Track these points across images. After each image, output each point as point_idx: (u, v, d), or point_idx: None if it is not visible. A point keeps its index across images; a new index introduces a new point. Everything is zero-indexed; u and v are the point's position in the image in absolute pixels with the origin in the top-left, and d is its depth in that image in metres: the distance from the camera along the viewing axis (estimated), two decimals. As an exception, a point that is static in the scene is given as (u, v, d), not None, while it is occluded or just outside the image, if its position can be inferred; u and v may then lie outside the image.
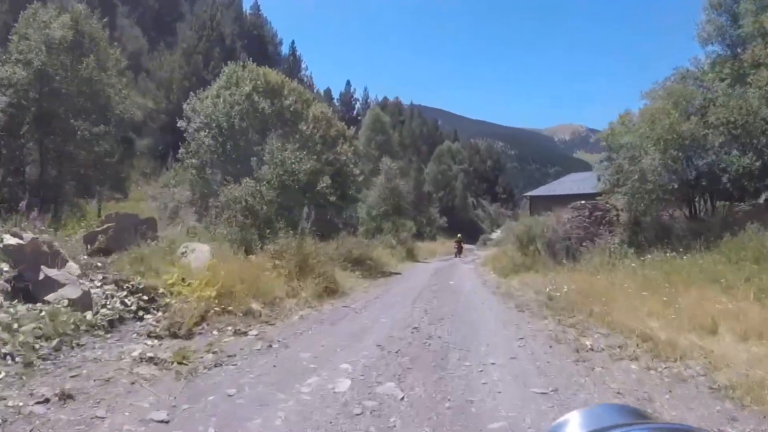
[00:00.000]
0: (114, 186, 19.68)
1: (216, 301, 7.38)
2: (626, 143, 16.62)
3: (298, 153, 12.90)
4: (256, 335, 6.63)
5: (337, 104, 61.09)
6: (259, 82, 16.56)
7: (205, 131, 15.93)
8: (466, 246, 42.78)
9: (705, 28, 16.57)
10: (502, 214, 78.84)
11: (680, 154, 15.45)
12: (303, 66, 44.79)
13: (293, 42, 51.26)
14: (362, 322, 7.79)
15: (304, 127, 16.08)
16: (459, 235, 34.35)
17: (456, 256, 29.59)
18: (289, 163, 12.25)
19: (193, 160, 16.20)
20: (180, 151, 16.98)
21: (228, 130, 15.40)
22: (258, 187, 11.58)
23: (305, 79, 44.01)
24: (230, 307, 7.53)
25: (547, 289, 11.09)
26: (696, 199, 16.86)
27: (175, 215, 16.61)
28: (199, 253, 9.79)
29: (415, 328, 7.30)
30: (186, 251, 9.73)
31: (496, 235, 63.00)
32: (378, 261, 18.54)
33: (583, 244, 17.48)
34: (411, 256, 24.91)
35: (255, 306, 8.00)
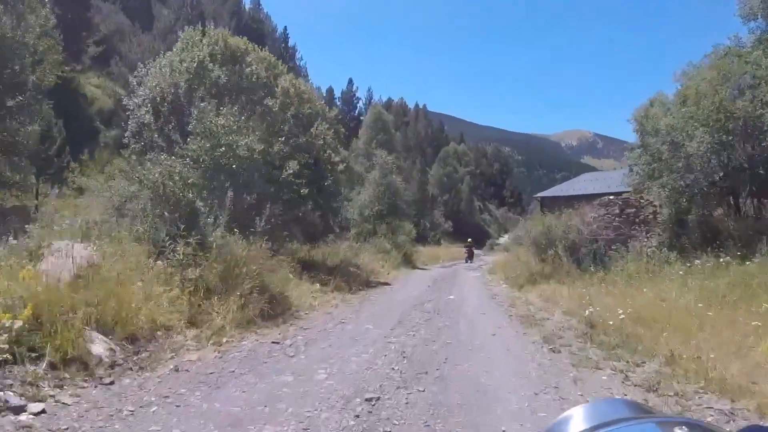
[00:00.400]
0: (55, 177, 16.41)
1: (6, 338, 3.94)
2: (667, 125, 13.27)
3: (234, 119, 9.42)
4: (33, 415, 3.17)
5: (338, 103, 57.81)
6: (217, 48, 13.21)
7: (146, 107, 12.58)
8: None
9: (748, 3, 13.46)
10: (510, 218, 75.15)
11: (731, 139, 12.35)
12: (298, 56, 41.34)
13: (285, 29, 47.47)
14: (280, 380, 4.26)
15: (270, 102, 12.67)
16: (470, 239, 31.41)
17: (467, 262, 26.83)
18: (222, 134, 8.83)
19: (140, 144, 12.86)
20: (126, 134, 13.63)
21: (171, 104, 12.03)
22: (177, 167, 8.14)
23: (301, 69, 40.58)
24: (43, 349, 4.09)
25: (587, 312, 7.50)
26: (741, 195, 13.85)
27: (119, 211, 13.20)
28: (66, 256, 6.38)
29: (369, 399, 3.77)
30: (45, 253, 6.35)
31: (504, 239, 59.53)
32: (365, 268, 15.06)
33: (613, 247, 13.96)
34: (409, 262, 21.39)
35: (99, 347, 4.54)
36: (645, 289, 9.76)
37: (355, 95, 56.65)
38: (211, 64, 12.75)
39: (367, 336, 6.38)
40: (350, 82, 57.87)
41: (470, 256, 27.83)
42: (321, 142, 13.26)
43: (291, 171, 11.64)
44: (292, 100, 13.24)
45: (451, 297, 10.95)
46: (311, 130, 13.23)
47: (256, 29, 44.65)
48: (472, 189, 65.36)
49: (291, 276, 9.96)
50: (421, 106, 69.19)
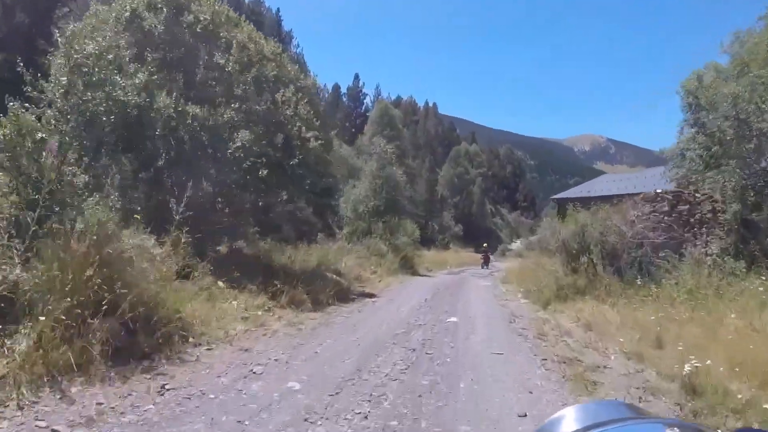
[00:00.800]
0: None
1: None
2: (731, 95, 10.17)
3: (108, 43, 6.24)
4: None
5: (344, 99, 54.76)
6: (159, -6, 10.19)
7: (64, 69, 9.57)
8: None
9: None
10: (523, 223, 71.32)
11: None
12: (294, 43, 37.61)
13: (278, 11, 43.36)
14: None
15: (222, 60, 9.60)
16: (485, 244, 29.38)
17: (482, 268, 24.78)
18: (93, 67, 5.73)
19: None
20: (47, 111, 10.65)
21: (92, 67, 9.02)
22: (29, 118, 5.07)
23: (297, 56, 37.39)
24: None
25: (685, 369, 4.19)
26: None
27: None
28: None
29: None
30: None
31: (517, 245, 56.01)
32: (348, 275, 11.87)
33: (661, 253, 10.68)
34: (409, 267, 18.12)
35: None
36: (732, 316, 6.56)
37: (361, 91, 53.49)
38: (145, 13, 9.73)
39: (270, 416, 3.20)
40: (356, 77, 54.78)
41: (486, 262, 25.84)
42: (290, 112, 10.12)
43: (239, 143, 8.54)
44: (251, 59, 10.13)
45: (453, 320, 7.68)
46: (276, 96, 10.11)
47: (256, 22, 41.88)
48: (483, 191, 61.75)
49: (222, 285, 6.85)
50: (431, 105, 65.91)
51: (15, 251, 4.24)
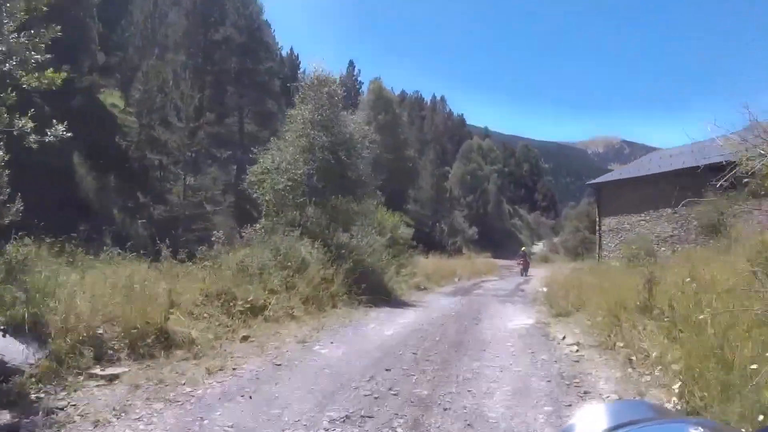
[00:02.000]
0: None
1: None
2: None
3: None
4: None
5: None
6: None
7: None
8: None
9: None
10: (543, 224, 62.16)
11: None
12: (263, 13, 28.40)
13: None
14: None
15: None
16: (524, 248, 25.23)
17: (521, 275, 19.94)
18: None
19: None
20: None
21: None
22: None
23: (258, 23, 28.07)
24: None
25: None
26: None
27: None
28: None
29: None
30: None
31: (539, 247, 47.08)
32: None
33: None
34: (379, 290, 9.34)
35: None
36: None
37: (357, 79, 45.05)
38: None
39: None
40: (351, 64, 46.36)
41: (525, 268, 20.71)
42: None
43: None
44: None
45: None
46: None
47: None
48: (500, 189, 52.48)
49: None
50: (439, 98, 57.10)
51: None
